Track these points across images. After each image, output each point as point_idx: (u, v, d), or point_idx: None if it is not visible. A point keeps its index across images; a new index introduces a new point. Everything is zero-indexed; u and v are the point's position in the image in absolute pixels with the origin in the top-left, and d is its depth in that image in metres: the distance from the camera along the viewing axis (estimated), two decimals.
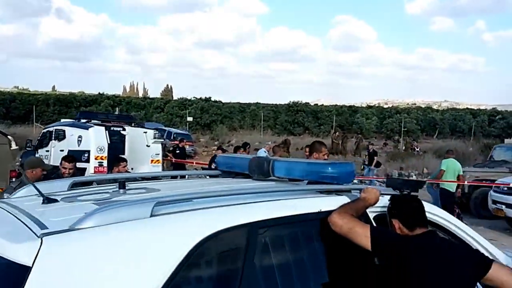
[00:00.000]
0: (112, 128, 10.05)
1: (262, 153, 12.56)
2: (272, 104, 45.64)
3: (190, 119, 31.45)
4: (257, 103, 47.83)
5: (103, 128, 9.48)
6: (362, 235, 2.04)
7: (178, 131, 24.78)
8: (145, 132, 10.14)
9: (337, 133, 28.16)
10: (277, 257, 1.94)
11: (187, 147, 20.16)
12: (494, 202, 9.19)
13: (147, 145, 10.04)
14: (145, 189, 2.30)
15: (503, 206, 8.87)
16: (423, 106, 72.67)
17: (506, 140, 14.54)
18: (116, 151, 10.11)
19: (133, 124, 10.60)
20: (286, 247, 2.00)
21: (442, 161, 9.81)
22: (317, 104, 50.36)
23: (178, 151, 15.38)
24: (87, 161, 9.33)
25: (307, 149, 5.94)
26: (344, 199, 2.25)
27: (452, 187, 9.49)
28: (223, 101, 44.34)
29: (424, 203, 2.61)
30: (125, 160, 6.23)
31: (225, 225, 1.75)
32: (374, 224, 2.30)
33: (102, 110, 37.54)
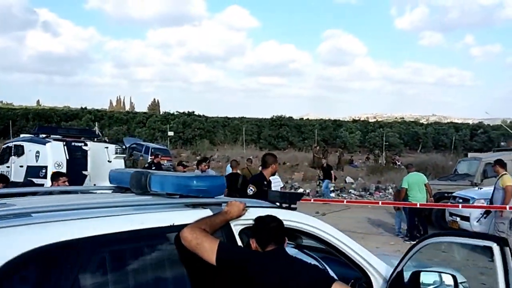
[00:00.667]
0: (73, 144, 10.02)
1: (229, 168, 12.55)
2: (256, 118, 45.85)
3: (171, 133, 31.40)
4: (242, 117, 48.05)
5: (62, 143, 9.42)
6: (209, 251, 2.03)
7: (156, 146, 24.69)
8: (107, 148, 10.11)
9: (317, 147, 28.28)
10: (115, 273, 1.92)
11: (164, 162, 20.03)
12: (450, 214, 9.27)
13: (108, 161, 9.97)
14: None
15: (458, 218, 8.95)
16: (411, 120, 73.72)
17: (470, 154, 14.74)
18: (78, 166, 10.09)
19: (95, 139, 10.53)
20: (127, 262, 1.98)
21: (403, 179, 9.88)
22: (302, 118, 50.68)
23: (153, 167, 15.29)
24: (45, 177, 9.25)
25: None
26: (206, 213, 2.25)
27: (418, 201, 9.56)
28: (209, 115, 44.53)
29: (301, 214, 2.63)
30: (65, 175, 6.16)
31: (49, 240, 1.73)
32: (238, 238, 2.31)
33: (83, 125, 37.33)
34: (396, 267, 2.51)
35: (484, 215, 8.32)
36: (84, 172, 10.18)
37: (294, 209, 2.63)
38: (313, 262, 2.67)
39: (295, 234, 2.79)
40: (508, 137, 13.85)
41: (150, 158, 19.93)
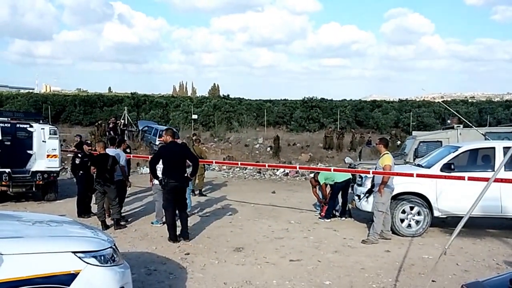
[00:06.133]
0: (17, 125, 11.13)
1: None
2: (291, 100, 45.57)
3: (195, 116, 32.31)
4: (284, 100, 48.02)
5: None
6: None
7: (165, 128, 25.61)
8: (43, 129, 11.03)
9: (330, 129, 27.86)
10: None
11: None
12: (356, 194, 9.08)
13: (43, 141, 10.91)
14: None
15: (356, 197, 8.76)
16: (483, 99, 69.50)
17: (414, 133, 13.93)
18: (23, 146, 11.19)
19: (40, 121, 11.51)
20: None
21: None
22: (331, 100, 49.56)
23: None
24: None
25: None
26: None
27: (340, 179, 9.56)
28: (252, 98, 45.09)
29: None
30: None
31: None
32: None
33: (122, 109, 39.42)
34: None
35: (367, 195, 8.12)
36: (29, 152, 11.24)
37: None
38: None
39: None
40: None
41: (159, 141, 20.97)
